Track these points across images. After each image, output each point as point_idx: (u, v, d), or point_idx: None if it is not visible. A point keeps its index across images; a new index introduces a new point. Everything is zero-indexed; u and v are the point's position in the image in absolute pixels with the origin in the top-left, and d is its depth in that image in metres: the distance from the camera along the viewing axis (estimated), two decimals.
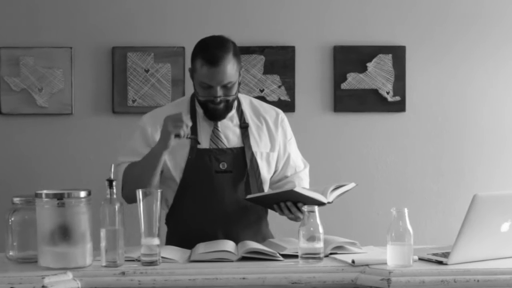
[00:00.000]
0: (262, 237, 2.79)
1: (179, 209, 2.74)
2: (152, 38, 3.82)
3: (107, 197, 2.21)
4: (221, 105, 2.69)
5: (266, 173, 2.80)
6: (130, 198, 2.58)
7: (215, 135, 2.74)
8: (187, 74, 3.75)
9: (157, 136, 2.68)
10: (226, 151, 2.72)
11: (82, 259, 2.18)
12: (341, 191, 2.61)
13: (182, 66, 3.79)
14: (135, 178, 2.61)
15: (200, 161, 2.70)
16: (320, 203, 2.49)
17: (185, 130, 2.53)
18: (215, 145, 2.73)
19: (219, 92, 2.64)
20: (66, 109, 3.78)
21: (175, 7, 3.84)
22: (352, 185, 2.64)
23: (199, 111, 2.77)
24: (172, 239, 2.72)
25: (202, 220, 2.69)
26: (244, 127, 2.78)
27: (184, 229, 2.72)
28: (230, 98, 2.69)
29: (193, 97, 2.81)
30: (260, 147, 2.79)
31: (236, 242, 2.52)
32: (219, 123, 2.75)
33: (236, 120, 2.79)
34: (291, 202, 2.55)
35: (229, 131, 2.77)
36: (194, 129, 2.72)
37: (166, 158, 2.68)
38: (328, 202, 2.54)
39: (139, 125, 2.79)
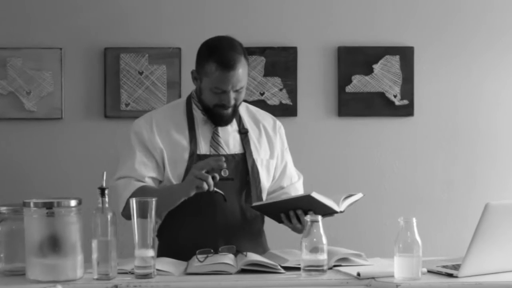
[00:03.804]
0: (263, 249, 2.79)
1: (176, 219, 2.72)
2: (146, 39, 3.83)
3: (99, 206, 2.21)
4: (229, 110, 2.69)
5: (265, 181, 2.80)
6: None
7: (215, 140, 2.75)
8: (183, 76, 3.77)
9: (155, 141, 2.70)
10: (227, 158, 2.71)
11: (72, 271, 2.18)
12: (351, 201, 2.62)
13: (178, 68, 3.80)
14: None
15: None
16: (331, 212, 2.50)
17: (211, 183, 2.50)
18: (215, 151, 2.73)
19: (232, 96, 2.65)
20: (55, 113, 3.78)
21: (171, 6, 3.84)
22: (359, 195, 2.65)
23: (197, 115, 2.77)
24: (165, 253, 2.67)
25: (202, 232, 2.67)
26: (243, 132, 2.79)
27: (181, 241, 2.69)
28: (238, 103, 2.71)
29: (190, 100, 2.81)
30: (260, 154, 2.80)
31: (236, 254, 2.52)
32: (219, 128, 2.75)
33: (235, 125, 2.79)
34: (301, 211, 2.54)
35: (229, 137, 2.77)
36: (192, 135, 2.72)
37: (166, 163, 2.69)
38: (341, 211, 2.54)
39: (133, 131, 2.76)
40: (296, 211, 2.56)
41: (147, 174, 2.70)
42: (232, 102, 2.66)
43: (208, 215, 2.67)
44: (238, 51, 2.65)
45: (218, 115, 2.70)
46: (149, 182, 2.70)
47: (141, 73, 3.80)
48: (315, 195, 2.46)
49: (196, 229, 2.68)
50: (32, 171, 3.79)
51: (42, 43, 3.79)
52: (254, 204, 2.63)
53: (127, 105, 3.79)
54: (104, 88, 3.81)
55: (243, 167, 2.74)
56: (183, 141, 2.72)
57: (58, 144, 3.81)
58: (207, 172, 2.50)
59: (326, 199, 2.51)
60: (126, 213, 2.57)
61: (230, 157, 2.73)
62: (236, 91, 2.66)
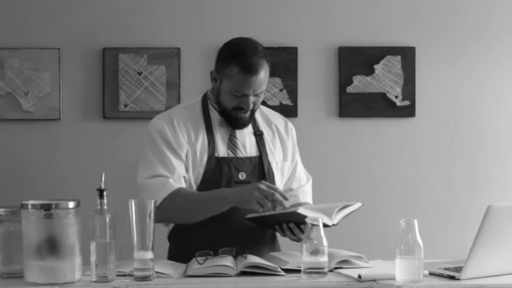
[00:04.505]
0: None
1: (189, 223, 2.70)
2: (145, 39, 3.83)
3: (97, 208, 2.21)
4: (248, 114, 2.69)
5: (279, 184, 2.80)
6: (160, 219, 2.51)
7: (232, 143, 2.74)
8: (183, 76, 3.77)
9: (179, 140, 2.67)
10: (244, 160, 2.73)
11: (70, 274, 2.18)
12: (347, 212, 2.59)
13: (177, 68, 3.80)
14: (184, 211, 2.60)
15: (219, 171, 2.69)
16: (324, 225, 2.50)
17: (266, 209, 2.49)
18: (232, 153, 2.72)
19: (251, 100, 2.65)
20: (53, 114, 3.78)
21: (170, 6, 3.84)
22: (358, 205, 2.61)
23: (214, 116, 2.76)
24: (175, 257, 2.65)
25: (217, 236, 2.64)
26: (259, 135, 2.79)
27: (194, 246, 2.57)
28: (256, 107, 2.71)
29: (205, 101, 2.79)
30: (275, 156, 2.80)
31: None
32: (237, 130, 2.75)
33: (250, 127, 2.79)
34: (293, 224, 2.54)
35: (245, 139, 2.77)
36: (210, 137, 2.71)
37: (190, 164, 2.68)
38: (333, 225, 2.54)
39: (154, 130, 2.71)
40: (288, 224, 2.55)
41: (182, 173, 2.68)
42: (251, 106, 2.67)
43: (224, 219, 2.63)
44: (261, 55, 2.63)
45: (236, 118, 2.69)
46: (182, 182, 2.67)
47: (140, 74, 3.80)
48: (301, 211, 2.46)
49: (210, 233, 2.65)
50: (30, 172, 3.79)
51: (40, 43, 3.79)
52: (248, 216, 2.60)
53: (126, 105, 3.79)
54: (102, 88, 3.81)
55: (259, 170, 2.75)
56: (203, 143, 2.71)
57: (56, 145, 3.81)
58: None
59: (315, 213, 2.49)
60: (159, 213, 2.37)
61: (247, 160, 2.73)
62: (256, 95, 2.66)
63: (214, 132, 2.74)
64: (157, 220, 2.32)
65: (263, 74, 2.63)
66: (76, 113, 3.82)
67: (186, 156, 2.69)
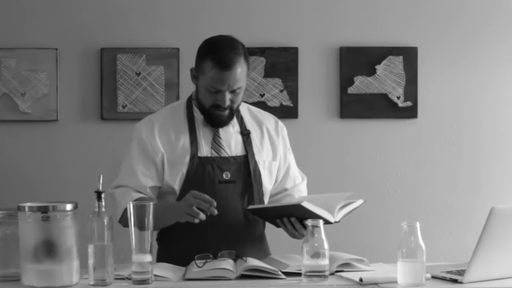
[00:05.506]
0: (265, 254, 2.79)
1: (177, 223, 2.70)
2: (144, 39, 3.83)
3: (95, 210, 2.21)
4: (226, 112, 2.70)
5: (267, 183, 2.81)
6: (125, 225, 2.56)
7: (216, 142, 2.75)
8: (182, 77, 3.77)
9: (156, 145, 2.70)
10: (229, 160, 2.73)
11: (68, 277, 2.18)
12: (349, 209, 2.61)
13: (176, 68, 3.80)
14: None
15: (202, 170, 2.70)
16: (326, 222, 2.49)
17: (203, 217, 2.47)
18: (216, 153, 2.73)
19: (227, 97, 2.65)
20: (51, 115, 3.78)
21: (169, 5, 3.84)
22: (359, 202, 2.64)
23: (197, 116, 2.77)
24: (164, 258, 2.69)
25: (203, 236, 2.66)
26: (245, 134, 2.79)
27: (181, 246, 2.69)
28: (235, 105, 2.70)
29: (190, 102, 2.81)
30: (262, 156, 2.80)
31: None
32: (220, 130, 2.76)
33: (236, 126, 2.80)
34: (295, 218, 2.54)
35: (230, 138, 2.77)
36: (193, 137, 2.73)
37: (166, 167, 2.71)
38: (335, 222, 2.54)
39: (134, 136, 2.77)
40: (290, 218, 2.55)
41: (147, 184, 2.71)
42: (228, 103, 2.66)
43: (210, 219, 2.64)
44: (237, 51, 2.65)
45: (214, 116, 2.71)
46: (149, 192, 2.71)
47: (138, 74, 3.80)
48: (305, 204, 2.46)
49: (197, 233, 2.67)
50: (27, 174, 3.79)
51: (37, 43, 3.79)
52: (250, 207, 2.63)
53: (124, 106, 3.79)
54: (100, 89, 3.81)
55: (245, 169, 2.75)
56: (184, 143, 2.73)
57: (53, 147, 3.81)
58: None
59: (319, 209, 2.49)
60: (124, 222, 2.56)
61: (231, 159, 2.73)
62: (233, 92, 2.66)
63: (198, 132, 2.75)
64: (124, 225, 2.44)
65: (239, 70, 2.63)
66: (74, 114, 3.82)
67: (162, 161, 2.71)
